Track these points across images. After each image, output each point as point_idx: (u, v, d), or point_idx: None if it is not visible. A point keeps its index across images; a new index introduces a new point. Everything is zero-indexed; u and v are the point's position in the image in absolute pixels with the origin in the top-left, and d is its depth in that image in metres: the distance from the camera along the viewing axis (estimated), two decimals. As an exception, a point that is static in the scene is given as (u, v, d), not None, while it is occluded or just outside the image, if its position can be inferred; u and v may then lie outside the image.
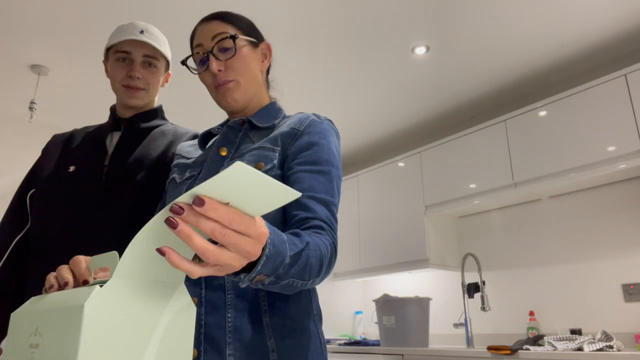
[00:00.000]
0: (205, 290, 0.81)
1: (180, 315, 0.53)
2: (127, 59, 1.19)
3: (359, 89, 3.22)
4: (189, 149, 1.04)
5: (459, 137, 3.24)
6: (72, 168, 1.16)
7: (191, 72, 0.97)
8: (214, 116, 3.59)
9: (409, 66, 2.96)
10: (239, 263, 0.51)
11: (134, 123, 1.22)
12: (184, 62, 0.97)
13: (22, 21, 2.51)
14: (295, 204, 0.82)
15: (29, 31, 2.60)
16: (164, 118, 1.30)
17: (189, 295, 0.55)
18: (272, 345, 0.79)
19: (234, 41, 0.93)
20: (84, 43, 2.70)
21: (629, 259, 2.59)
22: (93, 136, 1.23)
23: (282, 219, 0.86)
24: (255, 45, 0.99)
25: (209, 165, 0.92)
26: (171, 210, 0.45)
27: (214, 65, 0.92)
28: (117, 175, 1.13)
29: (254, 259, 0.53)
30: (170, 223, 0.45)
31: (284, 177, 0.88)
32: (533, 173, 2.77)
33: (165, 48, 1.24)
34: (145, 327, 0.50)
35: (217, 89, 0.95)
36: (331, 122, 0.98)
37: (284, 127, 0.93)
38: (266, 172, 0.86)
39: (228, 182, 0.44)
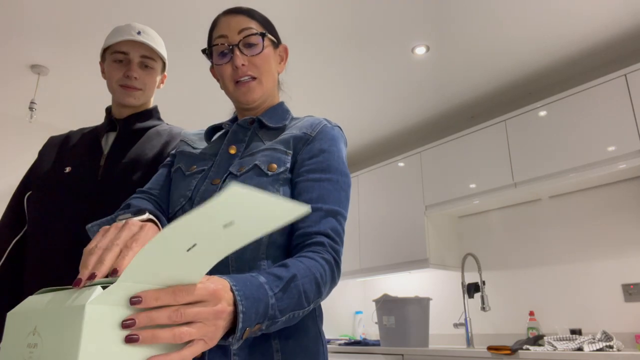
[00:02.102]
0: None
1: None
2: (125, 59, 1.19)
3: (359, 88, 3.22)
4: (194, 138, 1.03)
5: (459, 137, 3.24)
6: (68, 169, 1.16)
7: (210, 60, 0.96)
8: (211, 116, 3.59)
9: (409, 66, 2.95)
10: (214, 328, 0.54)
11: (130, 123, 1.22)
12: (204, 51, 0.96)
13: (22, 21, 2.52)
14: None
15: (29, 31, 2.60)
16: (159, 118, 1.30)
17: None
18: (276, 345, 0.79)
19: (262, 39, 0.93)
20: (84, 43, 2.70)
21: (629, 259, 2.58)
22: (89, 137, 1.23)
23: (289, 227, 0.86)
24: (275, 46, 0.99)
25: (219, 163, 0.91)
26: (123, 326, 0.48)
27: (239, 59, 0.91)
28: (113, 176, 1.13)
29: (226, 316, 0.56)
30: (131, 340, 0.48)
31: (293, 182, 0.88)
32: (533, 173, 2.76)
33: (162, 49, 1.24)
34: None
35: (237, 84, 0.94)
36: (340, 128, 0.98)
37: (295, 130, 0.93)
38: (278, 174, 0.86)
39: (228, 205, 0.45)
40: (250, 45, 0.93)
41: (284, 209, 0.49)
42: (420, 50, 2.79)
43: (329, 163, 0.88)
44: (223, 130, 1.00)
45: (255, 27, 0.94)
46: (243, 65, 0.91)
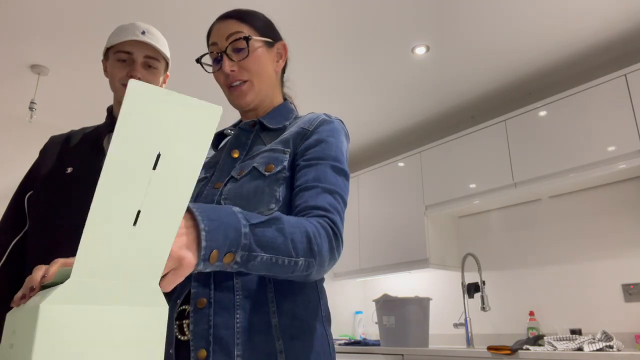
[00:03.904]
0: (214, 291, 0.80)
1: (150, 316, 0.51)
2: (128, 59, 1.19)
3: (358, 88, 3.22)
4: None
5: (459, 137, 3.24)
6: (69, 169, 1.15)
7: (205, 70, 0.97)
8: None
9: (409, 66, 2.95)
10: (183, 252, 0.56)
11: None
12: (198, 60, 0.97)
13: (22, 21, 2.51)
14: (300, 193, 0.83)
15: (29, 31, 2.59)
16: None
17: (162, 295, 0.52)
18: (280, 346, 0.79)
19: (247, 42, 0.93)
20: (84, 43, 2.70)
21: (629, 259, 2.58)
22: (90, 137, 1.23)
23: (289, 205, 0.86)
24: (270, 45, 0.99)
25: (221, 167, 0.92)
26: None
27: (227, 65, 0.92)
28: None
29: (193, 246, 0.58)
30: None
31: (292, 174, 0.88)
32: (533, 173, 2.77)
33: (165, 49, 1.24)
34: (110, 328, 0.48)
35: (230, 89, 0.95)
36: (341, 121, 0.98)
37: (294, 128, 0.93)
38: (276, 173, 0.86)
39: (136, 111, 0.45)
40: (238, 50, 0.93)
41: (199, 110, 0.48)
42: (420, 50, 2.79)
43: (326, 152, 0.88)
44: (228, 137, 1.00)
45: (245, 30, 0.94)
46: (232, 71, 0.93)
